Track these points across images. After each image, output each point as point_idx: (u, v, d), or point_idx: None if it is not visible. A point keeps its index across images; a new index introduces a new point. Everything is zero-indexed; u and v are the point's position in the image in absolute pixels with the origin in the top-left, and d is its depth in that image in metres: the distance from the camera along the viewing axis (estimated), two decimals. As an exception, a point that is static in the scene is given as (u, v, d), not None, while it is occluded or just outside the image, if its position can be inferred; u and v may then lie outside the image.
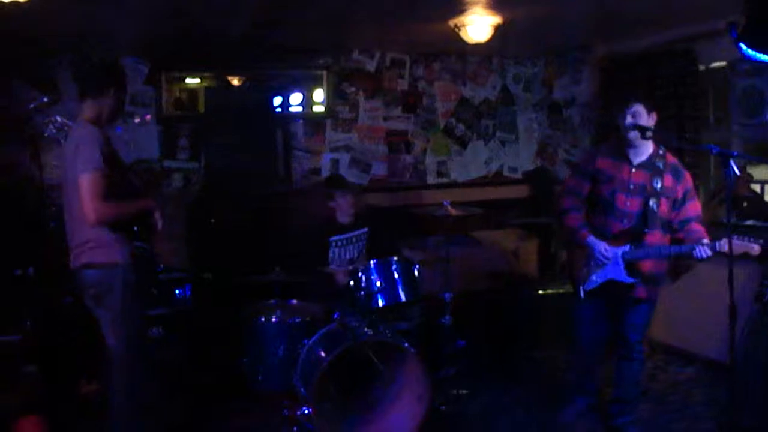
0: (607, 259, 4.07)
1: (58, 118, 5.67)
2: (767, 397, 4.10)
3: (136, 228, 3.80)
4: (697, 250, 3.78)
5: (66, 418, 4.61)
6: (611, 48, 6.49)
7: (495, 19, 5.17)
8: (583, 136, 7.33)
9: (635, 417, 4.50)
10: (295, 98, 6.51)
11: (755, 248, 3.64)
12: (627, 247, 4.04)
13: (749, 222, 5.42)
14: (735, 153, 3.51)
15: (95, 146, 3.59)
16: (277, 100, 6.44)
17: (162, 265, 4.03)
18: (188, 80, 6.29)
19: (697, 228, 3.95)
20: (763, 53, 3.44)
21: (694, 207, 4.04)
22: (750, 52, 3.44)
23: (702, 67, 5.68)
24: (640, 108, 3.96)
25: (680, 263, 5.73)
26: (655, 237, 4.05)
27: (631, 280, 4.06)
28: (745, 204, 5.64)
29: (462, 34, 5.33)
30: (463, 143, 7.21)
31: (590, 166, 4.28)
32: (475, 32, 5.29)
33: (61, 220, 3.86)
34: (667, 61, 5.77)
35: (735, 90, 5.75)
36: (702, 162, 5.87)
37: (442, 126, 7.12)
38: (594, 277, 4.18)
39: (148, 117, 6.06)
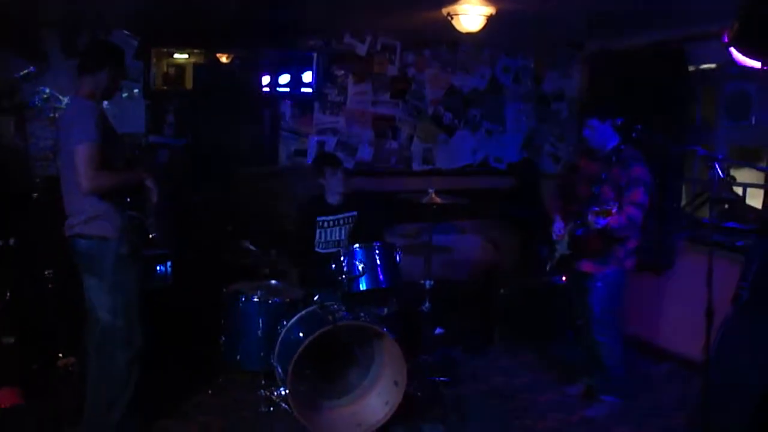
0: (555, 234, 4.71)
1: (46, 90, 5.61)
2: (736, 398, 4.16)
3: (128, 198, 3.84)
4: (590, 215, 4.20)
5: (43, 390, 4.60)
6: (603, 44, 6.50)
7: (488, 10, 5.17)
8: (570, 130, 7.36)
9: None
10: (284, 78, 6.44)
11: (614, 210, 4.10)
12: (571, 224, 4.57)
13: (729, 224, 5.47)
14: (720, 156, 3.62)
15: (91, 119, 3.66)
16: (266, 80, 6.38)
17: (155, 234, 4.05)
18: (176, 55, 6.21)
19: (630, 210, 4.35)
20: (753, 59, 3.47)
21: (635, 194, 4.40)
22: (741, 57, 3.46)
23: (692, 68, 5.70)
24: (593, 122, 4.59)
25: (660, 262, 5.79)
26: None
27: (568, 251, 4.63)
28: (726, 206, 5.68)
29: (455, 22, 5.32)
30: (450, 131, 7.21)
31: (574, 163, 5.02)
32: (468, 22, 5.28)
33: (44, 191, 3.86)
34: (658, 60, 5.79)
35: (723, 92, 5.80)
36: (686, 162, 5.91)
37: (430, 113, 7.10)
38: (556, 254, 4.73)
39: (136, 91, 6.01)
